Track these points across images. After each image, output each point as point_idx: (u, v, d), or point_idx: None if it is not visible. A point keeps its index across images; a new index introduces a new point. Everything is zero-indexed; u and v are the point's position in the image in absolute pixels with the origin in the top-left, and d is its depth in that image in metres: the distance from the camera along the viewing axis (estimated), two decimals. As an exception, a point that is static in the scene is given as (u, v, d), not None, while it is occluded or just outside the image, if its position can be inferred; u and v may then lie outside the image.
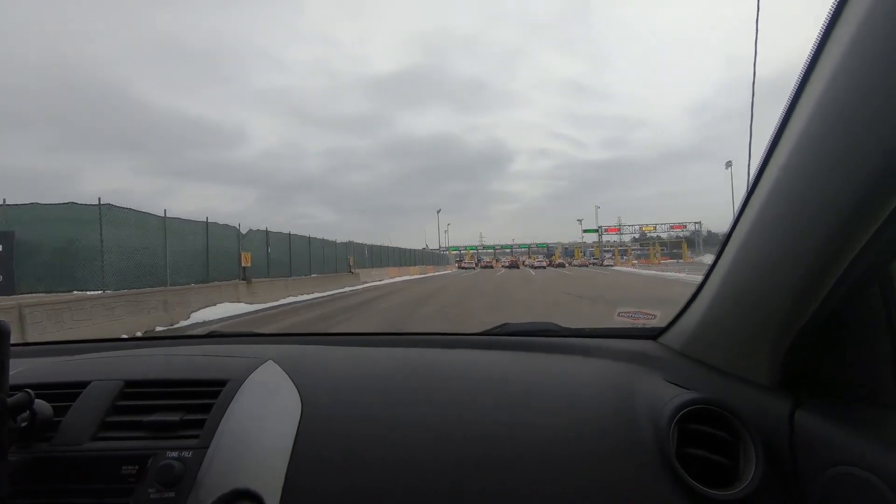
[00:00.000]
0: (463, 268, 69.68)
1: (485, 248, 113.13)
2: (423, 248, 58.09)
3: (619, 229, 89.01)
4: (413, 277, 33.32)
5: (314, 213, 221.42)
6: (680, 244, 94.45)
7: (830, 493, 0.59)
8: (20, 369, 0.82)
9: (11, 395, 0.60)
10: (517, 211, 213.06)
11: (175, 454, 0.66)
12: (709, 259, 1.00)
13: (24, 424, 0.64)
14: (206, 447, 0.67)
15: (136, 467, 0.65)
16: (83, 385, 0.76)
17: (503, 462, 0.70)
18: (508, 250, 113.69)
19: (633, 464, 0.70)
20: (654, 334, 1.03)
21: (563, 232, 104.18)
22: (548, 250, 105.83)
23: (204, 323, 9.84)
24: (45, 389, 0.70)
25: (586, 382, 0.87)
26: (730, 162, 65.71)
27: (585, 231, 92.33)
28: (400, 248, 38.87)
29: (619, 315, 1.29)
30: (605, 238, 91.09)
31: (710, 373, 0.82)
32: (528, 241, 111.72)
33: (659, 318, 1.15)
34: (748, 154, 0.79)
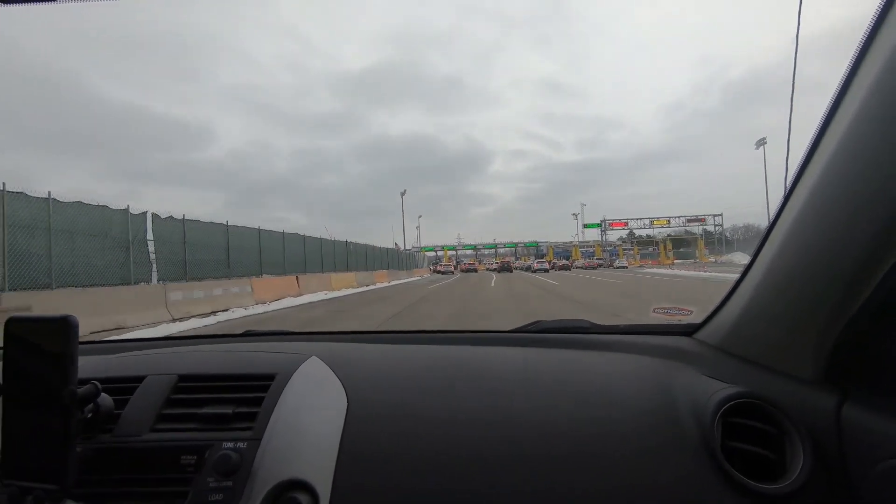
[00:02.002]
0: (439, 272, 53.95)
1: (464, 247, 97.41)
2: (393, 248, 42.34)
3: (627, 223, 74.62)
4: (334, 295, 16.95)
5: (286, 216, 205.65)
6: (684, 242, 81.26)
7: (882, 487, 0.59)
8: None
9: (80, 388, 0.63)
10: (493, 213, 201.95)
11: (231, 445, 0.68)
12: (739, 258, 0.75)
13: (89, 416, 0.67)
14: (260, 439, 0.69)
15: (195, 457, 0.67)
16: (139, 379, 0.79)
17: (546, 457, 0.70)
18: (492, 250, 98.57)
19: (677, 457, 0.70)
20: (689, 330, 1.02)
21: (543, 233, 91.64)
22: (538, 250, 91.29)
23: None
24: (105, 383, 0.71)
25: (622, 378, 0.87)
26: (763, 140, 52.48)
27: (586, 226, 77.72)
28: (330, 241, 22.99)
29: (654, 311, 1.27)
30: (590, 236, 77.65)
31: (751, 368, 0.81)
32: (514, 240, 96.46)
33: (695, 315, 1.12)
34: (787, 146, 0.80)
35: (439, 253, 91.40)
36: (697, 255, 69.86)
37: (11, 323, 0.61)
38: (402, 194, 44.36)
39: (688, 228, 74.27)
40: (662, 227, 74.62)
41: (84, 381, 0.64)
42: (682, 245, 76.64)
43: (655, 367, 0.91)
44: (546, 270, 46.91)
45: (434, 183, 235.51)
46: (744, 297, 0.82)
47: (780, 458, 0.67)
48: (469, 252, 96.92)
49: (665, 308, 1.26)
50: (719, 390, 0.74)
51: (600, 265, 59.22)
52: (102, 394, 0.69)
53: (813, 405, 0.69)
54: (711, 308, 0.96)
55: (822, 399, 0.68)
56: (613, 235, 78.94)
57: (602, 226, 75.45)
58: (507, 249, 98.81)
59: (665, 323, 1.16)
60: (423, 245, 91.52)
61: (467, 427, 0.74)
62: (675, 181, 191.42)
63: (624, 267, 55.65)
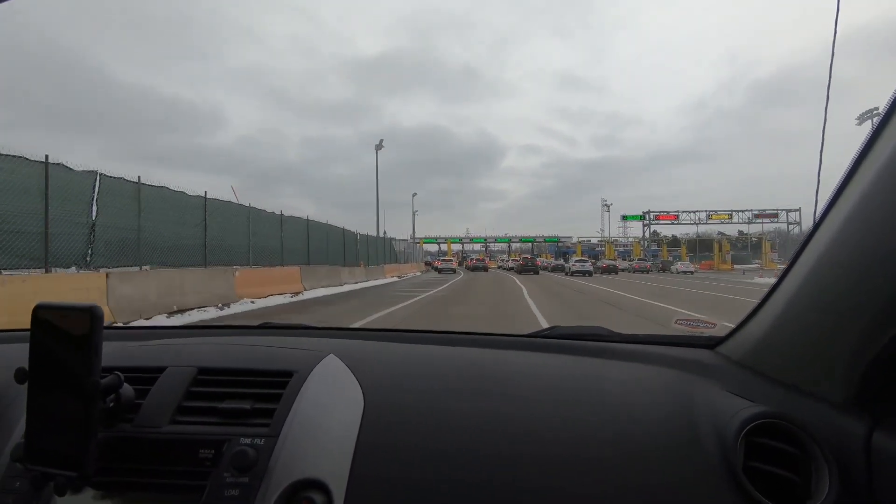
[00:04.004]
0: (437, 268, 39.66)
1: (473, 241, 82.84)
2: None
3: (677, 216, 59.56)
4: None
5: (296, 204, 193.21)
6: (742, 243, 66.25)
7: None
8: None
9: (103, 377, 0.64)
10: (504, 209, 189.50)
11: (248, 441, 0.68)
12: None
13: (111, 405, 0.68)
14: (277, 436, 0.69)
15: (212, 452, 0.67)
16: (160, 370, 0.79)
17: (560, 464, 0.69)
18: (504, 244, 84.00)
19: (695, 473, 0.68)
20: (711, 343, 0.99)
21: (556, 231, 77.42)
22: (558, 247, 76.66)
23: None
24: (126, 372, 0.72)
25: (640, 388, 0.85)
26: (872, 111, 37.79)
27: (626, 218, 62.74)
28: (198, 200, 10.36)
29: (676, 322, 1.23)
30: (627, 231, 63.02)
31: (776, 386, 0.78)
32: (531, 235, 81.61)
33: (718, 328, 1.09)
34: (819, 154, 0.79)
35: (443, 246, 77.12)
36: (762, 259, 55.42)
37: (39, 310, 0.62)
38: (378, 147, 29.72)
39: (716, 228, 59.66)
40: (723, 221, 59.41)
41: (106, 370, 0.65)
42: (706, 248, 62.01)
43: (675, 379, 0.88)
44: (589, 273, 33.01)
45: (444, 176, 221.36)
46: (773, 311, 0.79)
47: (805, 483, 0.65)
48: (478, 247, 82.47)
49: (688, 320, 1.21)
50: (743, 409, 0.72)
51: (649, 268, 44.63)
52: (125, 384, 0.69)
53: (841, 429, 0.66)
54: (737, 321, 0.92)
55: (851, 424, 0.65)
56: (678, 228, 63.97)
57: (645, 219, 60.38)
58: (522, 245, 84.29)
59: (687, 334, 1.12)
60: (417, 235, 77.26)
61: (482, 431, 0.73)
62: (694, 182, 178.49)
63: (689, 272, 41.01)
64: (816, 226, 0.69)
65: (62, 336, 0.61)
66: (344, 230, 20.98)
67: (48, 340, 0.61)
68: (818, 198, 0.71)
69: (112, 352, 0.76)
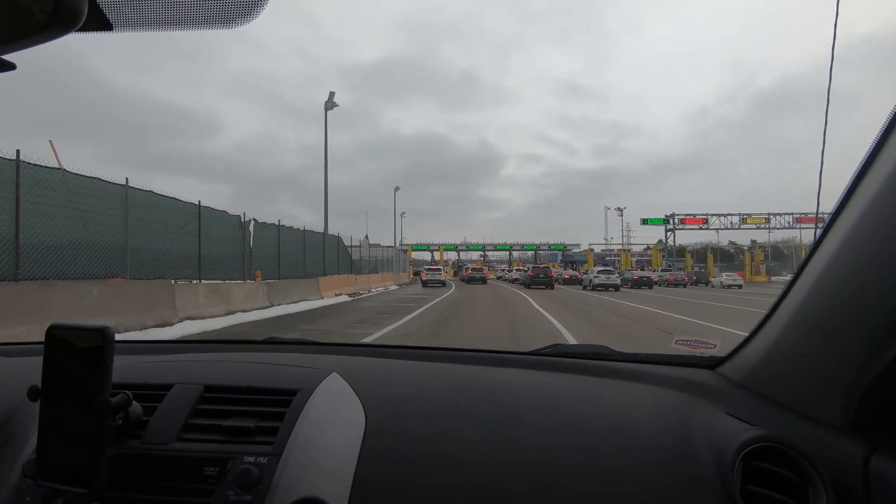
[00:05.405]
0: (424, 279, 31.47)
1: (469, 248, 74.62)
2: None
3: (706, 220, 51.25)
4: None
5: (293, 212, 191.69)
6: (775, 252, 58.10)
7: None
8: None
9: (113, 396, 0.65)
10: (503, 218, 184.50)
11: (252, 459, 0.69)
12: None
13: (120, 422, 0.69)
14: (280, 454, 0.70)
15: (217, 469, 0.68)
16: (167, 387, 0.81)
17: (560, 488, 0.69)
18: (504, 252, 75.88)
19: (691, 496, 0.68)
20: (712, 364, 1.00)
21: (556, 241, 71.00)
22: (563, 256, 68.69)
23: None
24: (134, 389, 0.74)
25: (640, 409, 0.86)
26: None
27: (645, 222, 54.29)
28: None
29: (676, 343, 1.23)
30: (632, 238, 55.06)
31: (774, 408, 0.79)
32: (534, 242, 73.46)
33: (719, 348, 1.09)
34: (821, 160, 0.77)
35: (436, 254, 68.89)
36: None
37: (53, 329, 0.64)
38: (328, 106, 20.93)
39: (745, 234, 51.68)
40: (759, 226, 51.13)
41: (115, 387, 0.66)
42: (725, 258, 54.07)
43: (674, 399, 0.88)
44: (615, 287, 24.99)
45: (443, 184, 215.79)
46: (773, 332, 0.80)
47: None
48: (475, 255, 74.29)
49: (688, 340, 1.21)
50: (741, 431, 0.71)
51: (687, 281, 36.36)
52: (133, 402, 0.70)
53: (839, 454, 0.65)
54: (737, 341, 0.92)
55: (849, 448, 0.65)
56: (681, 236, 55.75)
57: (669, 223, 52.03)
58: (523, 253, 76.20)
59: (688, 354, 1.12)
60: (412, 242, 69.07)
61: (482, 452, 0.74)
62: (697, 192, 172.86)
63: (737, 286, 32.70)
64: (815, 246, 0.69)
65: (75, 355, 0.63)
66: (201, 209, 11.29)
67: (61, 359, 0.63)
68: (818, 214, 0.70)
69: (120, 367, 0.74)
